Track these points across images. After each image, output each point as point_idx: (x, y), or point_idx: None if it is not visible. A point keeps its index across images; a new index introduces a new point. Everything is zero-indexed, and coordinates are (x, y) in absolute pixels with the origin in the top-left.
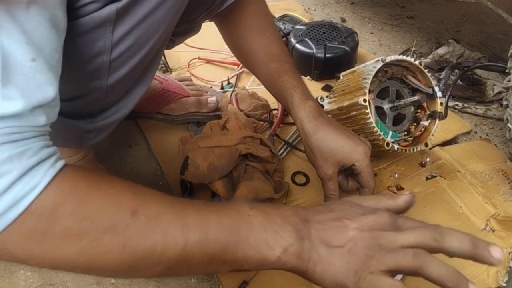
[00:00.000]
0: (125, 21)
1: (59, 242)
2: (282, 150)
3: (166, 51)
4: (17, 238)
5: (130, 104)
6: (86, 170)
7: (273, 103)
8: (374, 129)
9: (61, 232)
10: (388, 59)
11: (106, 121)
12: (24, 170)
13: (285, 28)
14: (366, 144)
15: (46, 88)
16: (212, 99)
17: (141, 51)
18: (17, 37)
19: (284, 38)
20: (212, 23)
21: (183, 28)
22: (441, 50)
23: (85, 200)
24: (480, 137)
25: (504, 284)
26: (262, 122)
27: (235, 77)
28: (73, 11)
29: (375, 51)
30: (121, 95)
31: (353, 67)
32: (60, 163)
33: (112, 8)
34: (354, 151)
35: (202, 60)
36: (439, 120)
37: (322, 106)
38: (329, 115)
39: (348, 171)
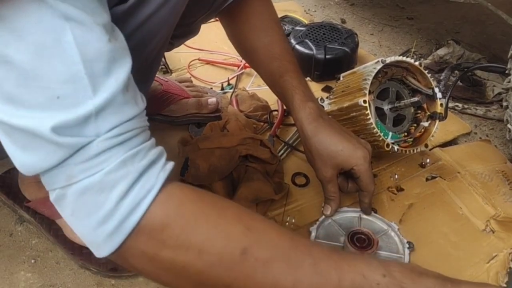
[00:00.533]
0: (129, 23)
1: (167, 266)
2: (282, 151)
3: (166, 53)
4: (134, 250)
5: None
6: (193, 187)
7: (273, 104)
8: (374, 130)
9: (169, 257)
10: (388, 60)
11: None
12: (138, 173)
13: (285, 29)
14: (366, 147)
15: (124, 63)
16: (212, 100)
17: (143, 53)
18: (85, 20)
19: None
20: (212, 24)
21: (182, 30)
22: (441, 51)
23: (192, 226)
24: (480, 138)
25: (504, 285)
26: (262, 123)
27: (235, 78)
28: None
29: (375, 52)
30: None
31: (353, 68)
32: (170, 165)
33: (117, 10)
34: (353, 155)
35: (202, 61)
36: (439, 121)
37: (322, 107)
38: (329, 116)
39: (347, 173)
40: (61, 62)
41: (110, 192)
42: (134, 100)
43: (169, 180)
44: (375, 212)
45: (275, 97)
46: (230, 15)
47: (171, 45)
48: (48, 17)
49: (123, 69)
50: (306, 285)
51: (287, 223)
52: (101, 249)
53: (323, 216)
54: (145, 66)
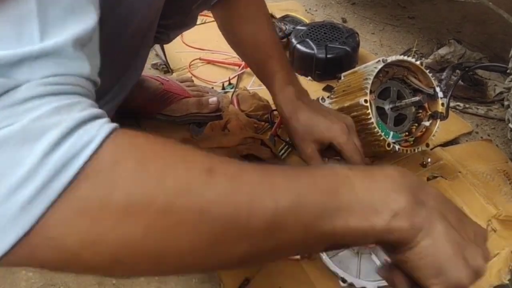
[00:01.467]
0: None
1: (120, 215)
2: (283, 151)
3: (167, 52)
4: (68, 217)
5: (122, 94)
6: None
7: (274, 103)
8: (375, 130)
9: (123, 198)
10: (389, 59)
11: None
12: (76, 123)
13: (286, 28)
14: (344, 121)
15: (88, 17)
16: (213, 99)
17: (126, 30)
18: None
19: (285, 39)
20: (213, 24)
21: (178, 19)
22: (442, 51)
23: (148, 156)
24: (482, 137)
25: (507, 282)
26: (263, 123)
27: (236, 77)
28: None
29: (376, 52)
30: (108, 85)
31: (354, 67)
32: (114, 124)
33: None
34: (330, 128)
35: (203, 61)
36: (440, 120)
37: (306, 92)
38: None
39: (334, 153)
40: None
41: (35, 143)
42: (88, 63)
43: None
44: None
45: None
46: (220, 7)
47: (166, 36)
48: None
49: (81, 24)
50: (282, 188)
51: None
52: (6, 235)
53: None
54: (131, 48)
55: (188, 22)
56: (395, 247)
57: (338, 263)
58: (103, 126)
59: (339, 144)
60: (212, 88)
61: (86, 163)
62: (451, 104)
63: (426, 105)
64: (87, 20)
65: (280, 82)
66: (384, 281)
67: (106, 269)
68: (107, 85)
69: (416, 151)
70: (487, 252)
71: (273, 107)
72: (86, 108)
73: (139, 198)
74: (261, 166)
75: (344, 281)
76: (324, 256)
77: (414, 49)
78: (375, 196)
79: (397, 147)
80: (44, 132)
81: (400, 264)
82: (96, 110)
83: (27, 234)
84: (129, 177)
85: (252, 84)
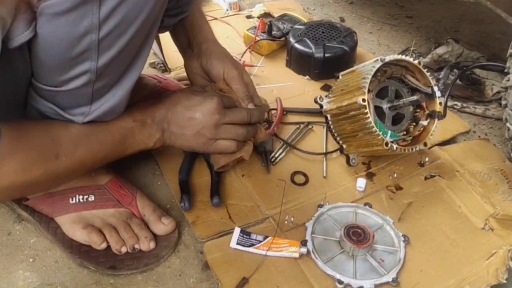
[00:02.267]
0: None
1: (5, 192)
2: (281, 150)
3: (165, 51)
4: None
5: (124, 91)
6: (16, 125)
7: (272, 102)
8: (373, 129)
9: (8, 185)
10: (387, 58)
11: (101, 109)
12: None
13: (284, 27)
14: (213, 99)
15: None
16: None
17: (130, 29)
18: None
19: (283, 38)
20: (210, 23)
21: (173, 4)
22: (440, 50)
23: (19, 157)
24: (479, 136)
25: (505, 281)
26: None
27: None
28: None
29: (374, 51)
30: (114, 79)
31: (352, 66)
32: None
33: None
34: (226, 63)
35: None
36: (438, 119)
37: (321, 106)
38: (328, 115)
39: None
40: None
41: None
42: None
43: None
44: (370, 207)
45: (274, 96)
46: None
47: (161, 23)
48: None
49: None
50: (96, 150)
51: (286, 221)
52: None
53: (319, 211)
54: (135, 46)
55: (183, 9)
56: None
57: (334, 267)
58: None
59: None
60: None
61: None
62: (449, 103)
63: (424, 104)
64: None
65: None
66: (380, 279)
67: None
68: (112, 81)
69: (414, 150)
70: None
71: (271, 106)
72: None
73: (17, 183)
74: (88, 137)
75: (340, 282)
76: (319, 262)
77: (412, 48)
78: (145, 136)
79: (395, 146)
80: None
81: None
82: None
83: None
84: (10, 171)
85: None
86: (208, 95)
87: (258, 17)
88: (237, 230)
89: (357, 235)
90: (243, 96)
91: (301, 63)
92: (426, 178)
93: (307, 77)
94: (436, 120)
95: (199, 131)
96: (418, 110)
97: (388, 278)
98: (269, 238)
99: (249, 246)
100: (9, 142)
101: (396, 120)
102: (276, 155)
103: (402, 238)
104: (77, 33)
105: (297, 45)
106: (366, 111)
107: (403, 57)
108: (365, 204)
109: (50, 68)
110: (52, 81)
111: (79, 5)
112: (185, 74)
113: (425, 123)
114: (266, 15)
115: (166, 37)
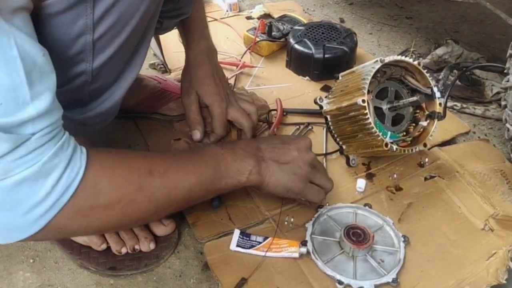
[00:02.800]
0: None
1: (104, 212)
2: None
3: (164, 52)
4: (70, 215)
5: (120, 92)
6: (104, 149)
7: (272, 103)
8: (373, 130)
9: (104, 202)
10: (387, 59)
11: (97, 110)
12: (68, 160)
13: (284, 28)
14: (228, 99)
15: (52, 76)
16: None
17: (125, 30)
18: (25, 38)
19: (283, 39)
20: (210, 24)
21: (171, 6)
22: (439, 51)
23: (114, 173)
24: (479, 137)
25: (504, 282)
26: (261, 123)
27: (234, 77)
28: None
29: (374, 52)
30: (110, 80)
31: (352, 67)
32: (85, 148)
33: None
34: (213, 94)
35: None
36: (438, 120)
37: (321, 107)
38: (327, 116)
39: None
40: (7, 74)
41: (45, 179)
42: (58, 105)
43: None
44: (370, 208)
45: (274, 97)
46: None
47: (159, 25)
48: None
49: (52, 80)
50: (191, 173)
51: (285, 222)
52: (26, 231)
53: (319, 212)
54: (130, 46)
55: (183, 10)
56: (258, 188)
57: (334, 267)
58: (82, 156)
59: (213, 112)
60: None
61: (78, 186)
62: (449, 104)
63: (423, 105)
64: (52, 77)
65: (195, 35)
66: (380, 280)
67: (94, 234)
68: (108, 82)
69: (414, 151)
70: (311, 167)
71: (271, 107)
72: (69, 144)
73: (114, 198)
74: (179, 159)
75: (341, 283)
76: (319, 262)
77: (412, 49)
78: (238, 164)
79: (394, 147)
80: (51, 172)
81: (269, 193)
82: (73, 141)
83: (43, 228)
84: (107, 189)
85: (250, 84)
86: (298, 136)
87: (258, 18)
88: (236, 232)
89: (357, 236)
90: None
91: (301, 64)
92: (426, 179)
93: (307, 78)
94: (436, 120)
95: (296, 163)
96: (418, 111)
97: (388, 278)
98: (269, 239)
99: (249, 247)
100: (99, 160)
101: (396, 121)
102: None
103: (402, 239)
104: (72, 34)
105: (297, 46)
106: (365, 112)
107: (403, 58)
108: (365, 205)
109: None
110: None
111: (73, 6)
112: None
113: (425, 123)
114: (266, 16)
115: (166, 38)
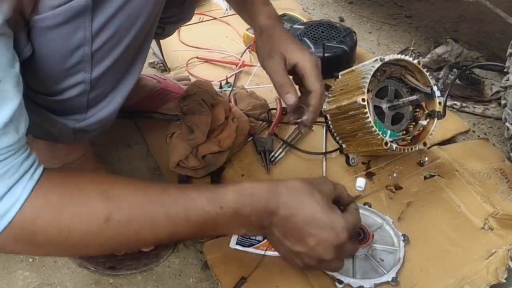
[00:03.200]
0: (103, 9)
1: (44, 246)
2: (280, 150)
3: (164, 51)
4: (10, 241)
5: (120, 98)
6: (61, 175)
7: (271, 102)
8: (373, 129)
9: (44, 239)
10: (387, 58)
11: (97, 116)
12: (6, 189)
13: None
14: (315, 55)
15: (12, 101)
16: None
17: (123, 41)
18: None
19: None
20: (210, 23)
21: (174, 11)
22: (439, 50)
23: (59, 210)
24: (479, 136)
25: (504, 281)
26: (260, 122)
27: (234, 76)
28: (49, 1)
29: (374, 51)
30: (109, 88)
31: (351, 66)
32: (38, 172)
33: None
34: (298, 51)
35: (201, 60)
36: (438, 119)
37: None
38: (327, 115)
39: (296, 79)
40: None
41: None
42: (16, 129)
43: (38, 182)
44: (370, 207)
45: (274, 96)
46: None
47: (161, 30)
48: None
49: (7, 108)
50: (162, 227)
51: None
52: None
53: None
54: (129, 56)
55: (184, 15)
56: None
57: None
58: (27, 185)
59: (304, 68)
60: None
61: (13, 218)
62: (448, 103)
63: (423, 104)
64: (11, 103)
65: (260, 2)
66: (380, 279)
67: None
68: (107, 90)
69: (414, 150)
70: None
71: (271, 106)
72: (17, 169)
73: (56, 239)
74: (151, 206)
75: (340, 282)
76: None
77: (412, 48)
78: (232, 227)
79: (394, 146)
80: None
81: None
82: (25, 166)
83: None
84: (47, 227)
85: (250, 83)
86: (338, 214)
87: None
88: None
89: (357, 235)
90: (317, 97)
91: None
92: (425, 178)
93: None
94: (435, 119)
95: (306, 254)
96: (418, 110)
97: (388, 277)
98: None
99: (249, 246)
100: (49, 191)
101: (396, 119)
102: (276, 155)
103: (402, 238)
104: (70, 46)
105: None
106: (365, 110)
107: (403, 56)
108: (365, 204)
109: (44, 77)
110: (46, 89)
111: (71, 19)
112: (184, 74)
113: (424, 122)
114: None
115: None
